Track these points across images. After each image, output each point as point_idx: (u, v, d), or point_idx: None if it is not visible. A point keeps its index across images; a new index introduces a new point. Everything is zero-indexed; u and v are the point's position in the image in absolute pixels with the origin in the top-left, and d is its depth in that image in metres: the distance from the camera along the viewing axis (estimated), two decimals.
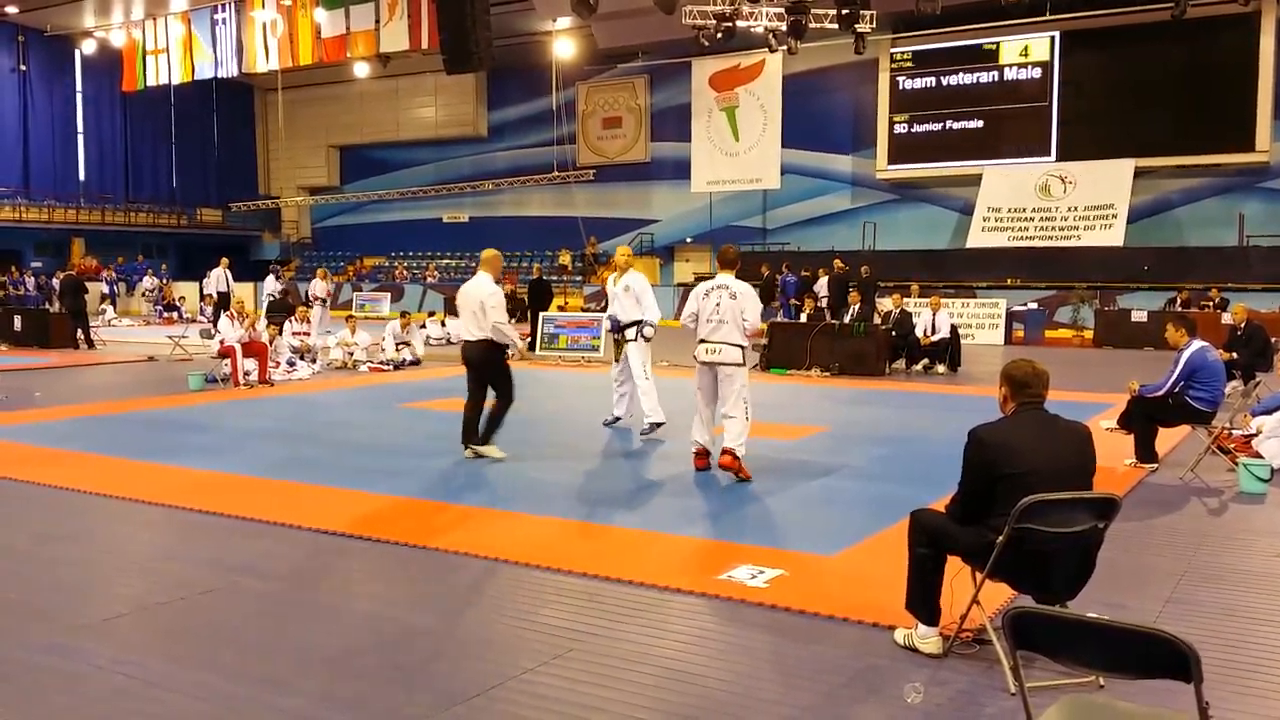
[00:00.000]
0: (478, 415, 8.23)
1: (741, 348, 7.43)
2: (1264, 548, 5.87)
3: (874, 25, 22.85)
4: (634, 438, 9.43)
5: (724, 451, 7.36)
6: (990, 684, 3.83)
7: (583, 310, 24.01)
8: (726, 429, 7.38)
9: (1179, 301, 20.10)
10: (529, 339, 18.54)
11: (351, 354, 16.17)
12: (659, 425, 9.32)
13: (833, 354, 15.09)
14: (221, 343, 13.60)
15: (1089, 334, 21.75)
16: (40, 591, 4.98)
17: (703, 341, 7.47)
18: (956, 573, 4.15)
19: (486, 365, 8.21)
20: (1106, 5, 25.29)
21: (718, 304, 7.39)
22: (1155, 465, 7.97)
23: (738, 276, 7.69)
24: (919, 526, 4.14)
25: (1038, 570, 3.86)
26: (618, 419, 9.96)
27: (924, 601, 4.08)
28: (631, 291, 9.49)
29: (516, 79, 34.34)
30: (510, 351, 8.23)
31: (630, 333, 9.55)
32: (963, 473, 4.04)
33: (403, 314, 18.22)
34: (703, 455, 7.78)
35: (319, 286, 22.02)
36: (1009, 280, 24.69)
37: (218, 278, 23.79)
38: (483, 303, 8.06)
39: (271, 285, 23.29)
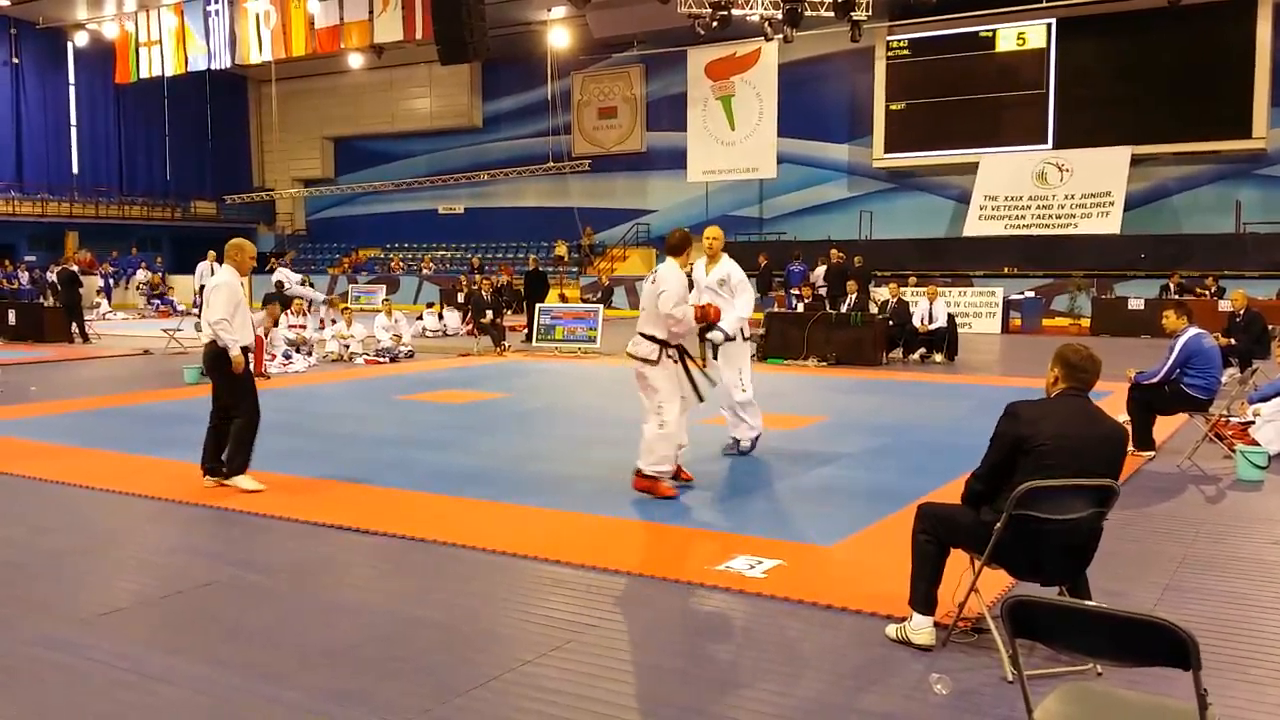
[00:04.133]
0: (218, 432, 6.98)
1: (655, 340, 6.61)
2: (1262, 534, 5.88)
3: (870, 13, 22.83)
4: (629, 429, 9.40)
5: (635, 472, 6.64)
6: (989, 672, 3.84)
7: (582, 301, 23.97)
8: (642, 438, 6.59)
9: (1172, 286, 20.09)
10: (526, 330, 18.57)
11: (347, 346, 16.15)
12: (756, 439, 7.99)
13: (830, 344, 15.09)
14: None
15: (1086, 322, 21.77)
16: (38, 585, 4.97)
17: None
18: (955, 565, 4.16)
19: (213, 369, 7.01)
20: None
21: (643, 292, 6.88)
22: (1153, 453, 7.98)
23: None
24: (924, 517, 4.16)
25: (1032, 554, 3.88)
26: (738, 442, 8.08)
27: (924, 593, 4.08)
28: (728, 285, 7.70)
29: (511, 69, 34.22)
30: (232, 357, 6.86)
31: (718, 334, 7.42)
32: (990, 442, 4.03)
33: (384, 301, 18.38)
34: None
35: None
36: (1006, 269, 24.68)
37: (202, 271, 23.68)
38: (206, 296, 7.07)
39: (287, 275, 22.49)
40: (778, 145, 29.98)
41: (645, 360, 6.64)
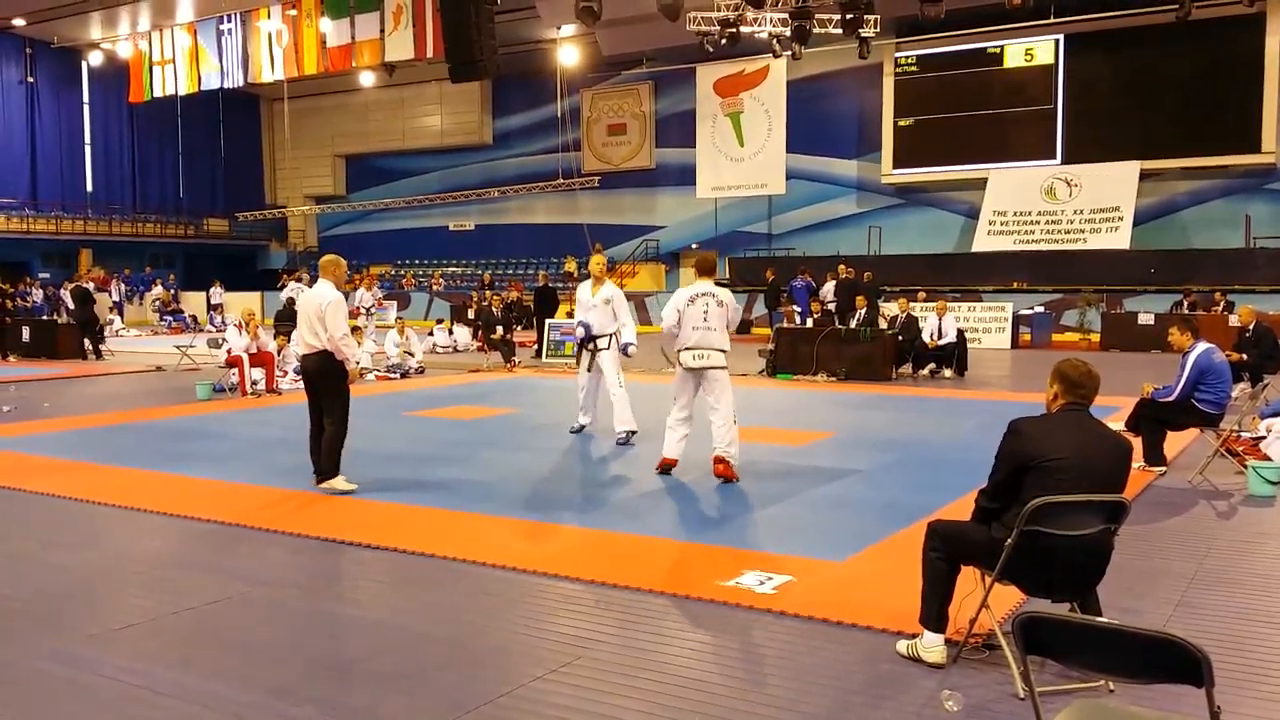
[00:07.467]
0: (319, 438, 7.58)
1: (725, 352, 7.67)
2: (1274, 550, 5.85)
3: (878, 30, 22.87)
4: (640, 445, 9.41)
5: (718, 460, 7.56)
6: (1000, 688, 3.82)
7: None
8: (717, 432, 7.56)
9: (1186, 303, 20.02)
10: (536, 346, 18.60)
11: (358, 362, 16.14)
12: (633, 434, 9.35)
13: (839, 359, 15.07)
14: (229, 352, 13.64)
15: (1096, 337, 21.70)
16: (50, 600, 4.99)
17: (689, 349, 7.58)
18: (965, 582, 4.14)
19: (323, 377, 7.50)
20: (1111, 7, 25.28)
21: (705, 311, 7.54)
22: (1164, 468, 7.94)
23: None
24: (934, 534, 4.15)
25: (1043, 571, 3.86)
26: (583, 427, 9.93)
27: (935, 610, 4.07)
28: (610, 305, 9.55)
29: (521, 87, 34.40)
30: (349, 369, 7.60)
31: (604, 342, 9.54)
32: (995, 462, 4.02)
33: (397, 319, 18.50)
34: (671, 461, 7.90)
35: (365, 297, 21.74)
36: (1015, 284, 24.63)
37: (292, 289, 24.24)
38: (320, 309, 7.37)
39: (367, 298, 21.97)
40: (786, 161, 30.05)
41: (723, 369, 7.62)
